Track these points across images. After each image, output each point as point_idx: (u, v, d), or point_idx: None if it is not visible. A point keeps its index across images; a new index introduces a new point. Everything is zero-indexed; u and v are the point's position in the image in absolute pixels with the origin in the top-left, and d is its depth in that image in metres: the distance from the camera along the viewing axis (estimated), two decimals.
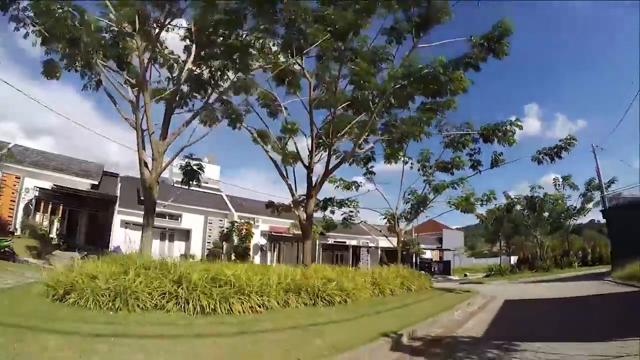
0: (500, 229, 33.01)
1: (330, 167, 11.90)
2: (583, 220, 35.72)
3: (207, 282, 6.01)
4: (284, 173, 12.59)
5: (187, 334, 4.94)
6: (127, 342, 4.43)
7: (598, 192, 26.61)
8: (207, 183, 33.31)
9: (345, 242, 34.79)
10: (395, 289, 11.36)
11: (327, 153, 12.15)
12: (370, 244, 37.66)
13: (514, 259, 38.18)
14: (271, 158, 12.77)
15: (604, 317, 8.41)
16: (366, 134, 12.02)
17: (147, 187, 8.85)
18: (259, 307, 6.36)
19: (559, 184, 29.84)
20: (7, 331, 4.31)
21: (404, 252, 36.51)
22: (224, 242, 26.24)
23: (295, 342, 5.08)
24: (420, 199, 17.51)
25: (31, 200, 19.60)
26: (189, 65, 9.75)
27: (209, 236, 27.24)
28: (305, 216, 11.45)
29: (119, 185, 26.27)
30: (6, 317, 4.86)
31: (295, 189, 12.69)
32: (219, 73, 10.46)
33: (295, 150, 13.26)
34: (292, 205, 12.68)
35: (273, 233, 29.32)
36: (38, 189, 19.59)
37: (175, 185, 31.62)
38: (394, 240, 18.57)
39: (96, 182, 23.44)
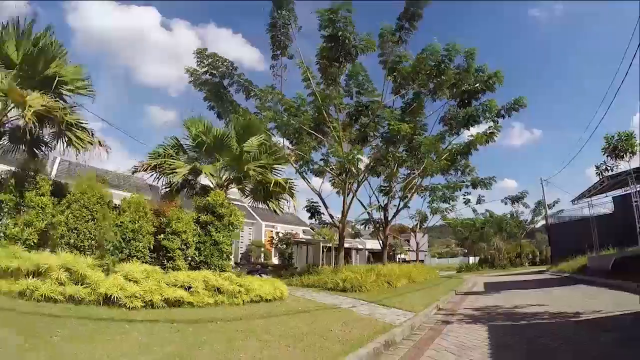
0: (469, 235, 45.72)
1: (399, 208, 22.71)
2: (537, 225, 50.28)
3: (385, 273, 15.74)
4: (371, 215, 22.86)
5: (395, 295, 14.00)
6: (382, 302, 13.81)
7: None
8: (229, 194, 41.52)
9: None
10: (426, 277, 21.77)
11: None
12: (359, 246, 47.77)
13: (475, 259, 51.08)
14: (364, 207, 22.82)
15: (539, 284, 19.59)
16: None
17: (341, 234, 18.51)
18: (398, 284, 16.20)
19: (515, 203, 42.70)
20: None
21: (390, 253, 47.57)
22: (256, 247, 34.33)
23: (429, 293, 15.15)
24: (423, 216, 29.57)
25: None
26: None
27: (241, 242, 35.10)
28: (383, 238, 21.87)
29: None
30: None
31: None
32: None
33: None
34: (376, 232, 22.95)
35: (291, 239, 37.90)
36: None
37: None
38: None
39: (149, 198, 30.53)
